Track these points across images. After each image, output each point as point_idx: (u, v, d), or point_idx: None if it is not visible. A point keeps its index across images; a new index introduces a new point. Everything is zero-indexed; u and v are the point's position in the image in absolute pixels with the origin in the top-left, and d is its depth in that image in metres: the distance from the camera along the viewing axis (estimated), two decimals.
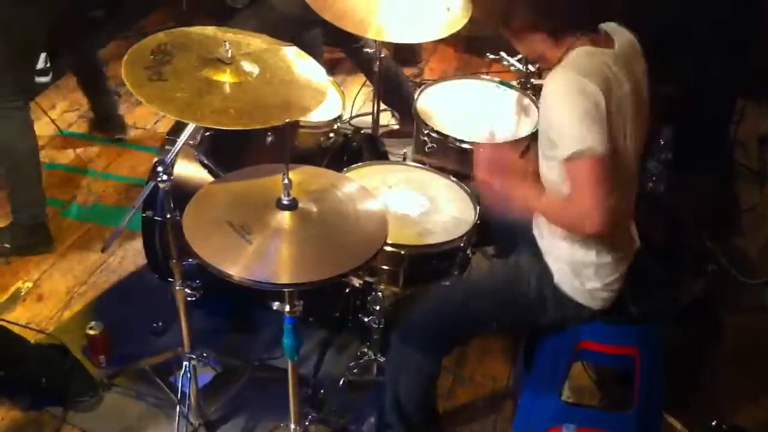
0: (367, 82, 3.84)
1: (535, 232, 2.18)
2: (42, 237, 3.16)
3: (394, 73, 3.68)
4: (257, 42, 2.30)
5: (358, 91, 3.92)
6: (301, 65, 2.26)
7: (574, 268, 2.07)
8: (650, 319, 2.24)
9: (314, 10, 2.73)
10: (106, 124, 3.86)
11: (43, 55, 4.13)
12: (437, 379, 2.31)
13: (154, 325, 2.77)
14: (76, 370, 2.56)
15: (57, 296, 2.97)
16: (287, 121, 2.02)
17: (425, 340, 2.21)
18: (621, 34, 1.98)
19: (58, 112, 3.98)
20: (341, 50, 3.76)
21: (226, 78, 2.10)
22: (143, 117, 3.98)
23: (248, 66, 2.16)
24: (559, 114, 1.84)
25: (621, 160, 1.91)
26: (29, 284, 3.02)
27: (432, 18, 2.78)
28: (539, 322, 2.20)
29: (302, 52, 2.32)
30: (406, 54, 4.35)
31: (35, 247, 3.15)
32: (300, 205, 1.91)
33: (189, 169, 2.56)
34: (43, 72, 4.17)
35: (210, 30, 2.30)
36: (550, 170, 1.96)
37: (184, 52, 2.16)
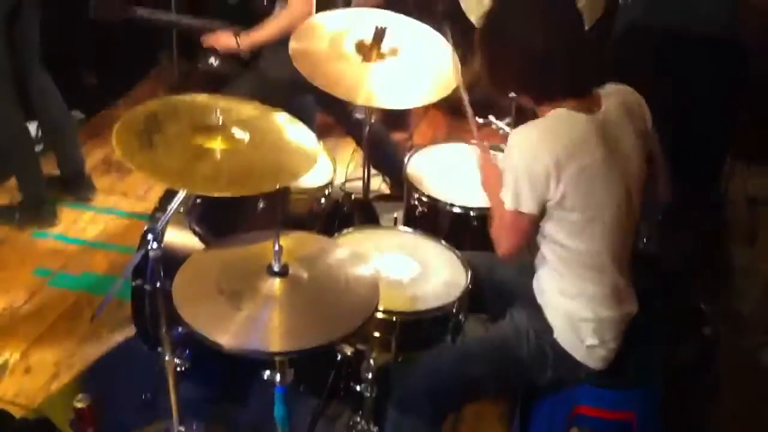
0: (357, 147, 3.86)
1: (535, 288, 2.19)
2: (46, 213, 3.68)
3: (384, 138, 3.70)
4: (248, 109, 2.31)
5: (352, 157, 3.94)
6: (292, 131, 2.28)
7: (573, 323, 2.09)
8: (646, 381, 2.22)
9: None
10: (73, 185, 3.86)
11: (35, 124, 4.16)
12: None
13: (143, 396, 2.72)
14: None
15: (45, 368, 2.92)
16: (278, 187, 2.02)
17: (423, 406, 2.17)
18: (615, 96, 2.03)
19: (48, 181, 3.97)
20: (330, 116, 3.79)
21: (217, 145, 2.11)
22: (134, 185, 3.99)
23: (239, 132, 2.17)
24: (506, 166, 2.00)
25: (600, 230, 2.02)
26: (17, 356, 2.97)
27: (421, 83, 2.81)
28: (537, 383, 2.19)
29: (293, 118, 2.33)
30: (397, 119, 4.40)
31: (40, 221, 3.67)
32: (291, 271, 1.90)
33: (180, 237, 2.55)
34: (35, 141, 4.19)
35: (201, 98, 2.32)
36: None
37: (176, 119, 2.17)
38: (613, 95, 2.04)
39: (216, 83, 4.16)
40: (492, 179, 2.20)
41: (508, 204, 1.99)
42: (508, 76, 2.06)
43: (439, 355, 2.26)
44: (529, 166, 1.93)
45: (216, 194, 2.01)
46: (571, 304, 2.08)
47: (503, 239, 2.07)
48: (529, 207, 1.98)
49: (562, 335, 2.11)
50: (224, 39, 3.31)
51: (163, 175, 2.00)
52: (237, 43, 3.24)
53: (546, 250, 2.09)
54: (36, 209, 3.67)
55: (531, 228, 2.05)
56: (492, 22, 2.05)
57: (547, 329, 2.12)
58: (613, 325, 2.10)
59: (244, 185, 2.04)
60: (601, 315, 2.07)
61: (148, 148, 2.06)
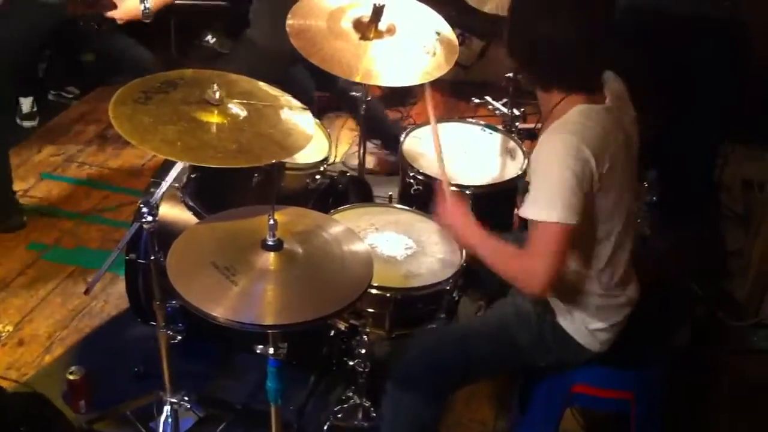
0: (349, 123, 3.84)
1: None
2: (14, 218, 3.44)
3: (379, 113, 3.69)
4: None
5: (344, 133, 3.93)
6: (287, 110, 2.27)
7: (578, 307, 2.07)
8: (643, 361, 2.22)
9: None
10: None
11: (29, 100, 4.14)
12: (436, 427, 2.27)
13: (135, 369, 2.73)
14: (56, 420, 2.50)
15: (38, 340, 2.92)
16: (273, 161, 2.02)
17: (422, 385, 2.17)
18: (611, 83, 2.01)
19: (43, 156, 3.97)
20: (323, 87, 3.76)
21: (213, 119, 2.10)
22: (129, 160, 3.98)
23: (235, 108, 2.16)
24: (546, 176, 1.88)
25: (620, 210, 1.98)
26: (10, 328, 2.97)
27: (418, 62, 2.79)
28: (537, 366, 2.19)
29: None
30: (401, 93, 4.39)
31: (6, 227, 3.42)
32: (285, 245, 1.89)
33: (174, 211, 2.55)
34: (30, 116, 4.18)
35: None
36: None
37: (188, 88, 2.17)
38: (607, 82, 2.01)
39: (212, 60, 4.14)
40: (474, 230, 2.07)
41: (555, 217, 1.83)
42: (527, 64, 1.99)
43: (439, 335, 2.27)
44: (573, 170, 1.83)
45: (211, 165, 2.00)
46: (579, 287, 2.05)
47: (542, 266, 1.87)
48: (576, 217, 1.84)
49: (566, 319, 2.09)
50: (128, 5, 3.31)
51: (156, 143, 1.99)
52: (144, 7, 3.28)
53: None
54: (3, 214, 3.45)
55: (570, 242, 1.89)
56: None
57: (549, 311, 2.11)
58: (619, 309, 2.10)
59: (236, 158, 2.02)
60: (608, 300, 2.06)
61: (141, 104, 2.05)
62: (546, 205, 1.86)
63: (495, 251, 2.02)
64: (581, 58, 1.91)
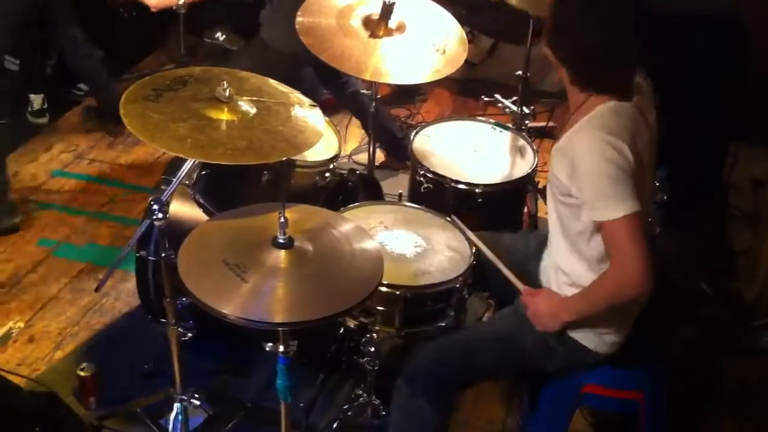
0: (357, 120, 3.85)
1: (543, 279, 2.19)
2: (6, 216, 3.39)
3: (383, 120, 3.69)
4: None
5: (351, 130, 3.93)
6: (299, 107, 2.28)
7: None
8: (653, 363, 2.22)
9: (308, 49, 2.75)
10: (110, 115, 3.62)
11: (40, 96, 4.16)
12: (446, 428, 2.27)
13: (146, 366, 2.74)
14: (68, 418, 2.51)
15: (48, 337, 2.93)
16: (283, 159, 2.02)
17: (429, 391, 2.17)
18: (638, 81, 2.02)
19: (54, 153, 3.98)
20: (327, 89, 3.77)
21: (224, 116, 2.11)
22: (140, 158, 3.98)
23: (245, 106, 2.17)
24: (594, 177, 1.87)
25: (642, 203, 1.95)
26: (21, 324, 2.99)
27: (428, 60, 2.80)
28: (545, 370, 2.19)
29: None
30: (410, 90, 4.40)
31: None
32: (296, 243, 1.90)
33: (184, 209, 2.56)
34: (40, 113, 4.19)
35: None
36: (566, 214, 2.01)
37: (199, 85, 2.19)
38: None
39: (221, 58, 4.15)
40: (559, 303, 2.07)
41: (621, 212, 1.84)
42: (570, 61, 1.98)
43: (446, 343, 2.26)
44: (614, 163, 1.85)
45: (220, 162, 2.01)
46: None
47: (634, 258, 1.86)
48: (637, 202, 1.85)
49: (574, 324, 2.08)
50: None
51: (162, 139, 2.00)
52: None
53: (582, 241, 2.01)
54: None
55: (642, 225, 1.89)
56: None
57: None
58: (628, 312, 2.09)
59: (245, 156, 2.03)
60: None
61: (152, 101, 2.06)
62: (606, 204, 1.86)
63: (585, 297, 2.01)
64: (622, 63, 1.93)
